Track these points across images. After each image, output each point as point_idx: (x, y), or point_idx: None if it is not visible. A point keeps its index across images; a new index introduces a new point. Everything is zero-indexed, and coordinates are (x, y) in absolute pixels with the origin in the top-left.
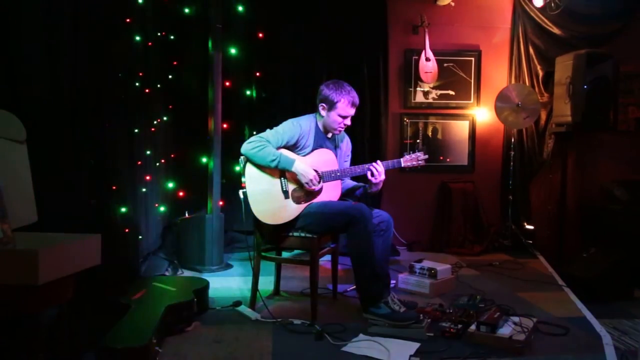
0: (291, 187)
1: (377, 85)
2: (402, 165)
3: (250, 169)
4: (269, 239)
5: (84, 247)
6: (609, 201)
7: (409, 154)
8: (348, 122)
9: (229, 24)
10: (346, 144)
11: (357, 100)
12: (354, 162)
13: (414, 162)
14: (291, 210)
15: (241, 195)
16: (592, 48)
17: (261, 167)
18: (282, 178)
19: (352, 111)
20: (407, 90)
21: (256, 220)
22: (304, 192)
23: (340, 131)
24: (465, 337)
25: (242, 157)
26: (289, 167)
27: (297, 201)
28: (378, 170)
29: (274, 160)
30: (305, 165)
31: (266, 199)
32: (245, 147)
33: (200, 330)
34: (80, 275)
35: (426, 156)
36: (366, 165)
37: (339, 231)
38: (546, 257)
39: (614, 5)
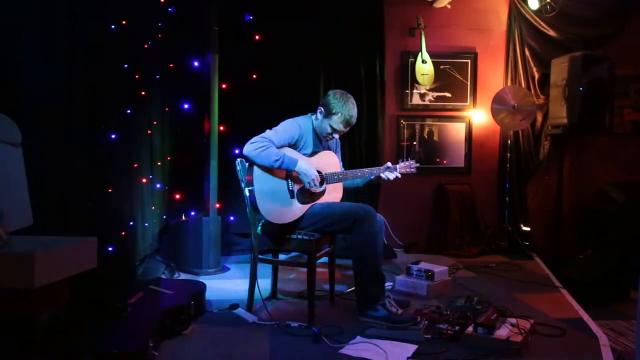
0: (296, 187)
1: (373, 88)
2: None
3: (258, 168)
4: (270, 241)
5: (80, 250)
6: (605, 203)
7: (404, 161)
8: (336, 136)
9: (226, 26)
10: (336, 143)
11: (353, 121)
12: (351, 164)
13: (407, 170)
14: (296, 210)
15: (247, 194)
16: (587, 50)
17: (266, 167)
18: (289, 178)
19: (343, 129)
20: (403, 92)
21: (257, 222)
22: (309, 193)
23: (327, 140)
24: (463, 339)
25: (238, 160)
26: (292, 167)
27: (302, 201)
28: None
29: (277, 161)
30: (308, 166)
31: (273, 198)
32: (248, 148)
33: (198, 334)
34: (76, 279)
35: (417, 164)
36: (367, 170)
37: (344, 231)
38: (543, 258)
39: (609, 8)
